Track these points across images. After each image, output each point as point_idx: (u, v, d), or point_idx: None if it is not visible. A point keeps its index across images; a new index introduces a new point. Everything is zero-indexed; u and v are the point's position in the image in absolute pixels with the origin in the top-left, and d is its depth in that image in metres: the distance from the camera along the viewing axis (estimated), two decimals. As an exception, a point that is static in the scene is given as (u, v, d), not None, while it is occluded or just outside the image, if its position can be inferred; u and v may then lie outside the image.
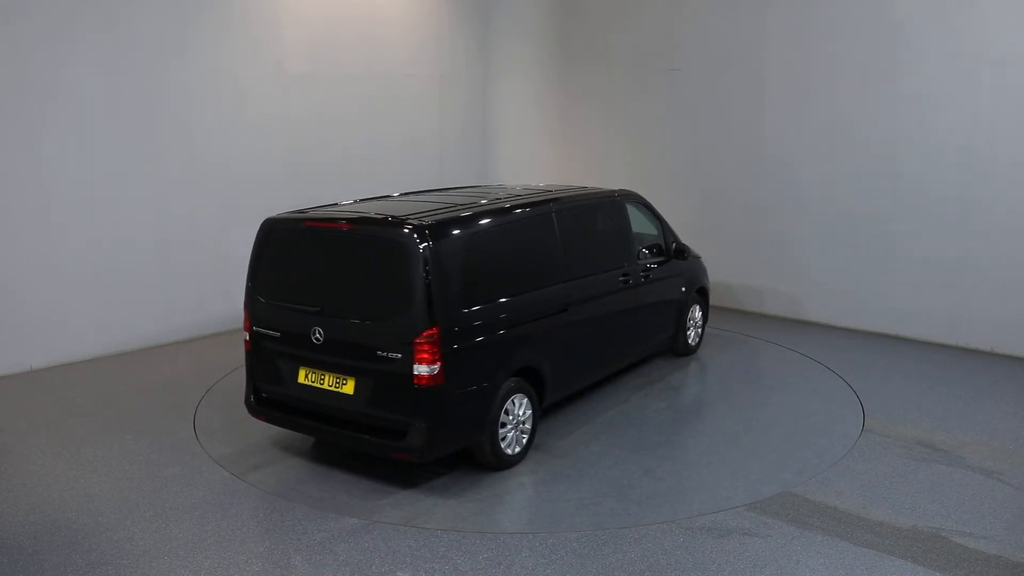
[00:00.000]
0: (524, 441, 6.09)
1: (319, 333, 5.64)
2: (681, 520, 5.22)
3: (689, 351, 8.61)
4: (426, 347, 5.24)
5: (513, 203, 6.39)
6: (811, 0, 9.66)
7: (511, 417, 5.92)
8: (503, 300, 5.87)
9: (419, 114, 11.47)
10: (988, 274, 8.65)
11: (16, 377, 8.07)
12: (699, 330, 8.75)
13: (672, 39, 11.07)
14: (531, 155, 12.73)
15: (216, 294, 9.49)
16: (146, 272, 9.00)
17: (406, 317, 5.30)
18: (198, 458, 6.21)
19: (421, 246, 5.29)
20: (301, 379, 5.81)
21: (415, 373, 5.28)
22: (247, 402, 6.24)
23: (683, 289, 8.30)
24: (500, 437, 5.83)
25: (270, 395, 6.12)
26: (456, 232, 5.59)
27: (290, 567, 4.70)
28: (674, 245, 8.15)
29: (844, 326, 9.81)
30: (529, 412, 6.09)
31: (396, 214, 5.68)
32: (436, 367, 5.27)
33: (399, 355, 5.31)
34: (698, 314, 8.69)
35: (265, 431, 6.64)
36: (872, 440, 6.47)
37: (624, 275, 7.31)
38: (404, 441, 5.38)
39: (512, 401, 5.91)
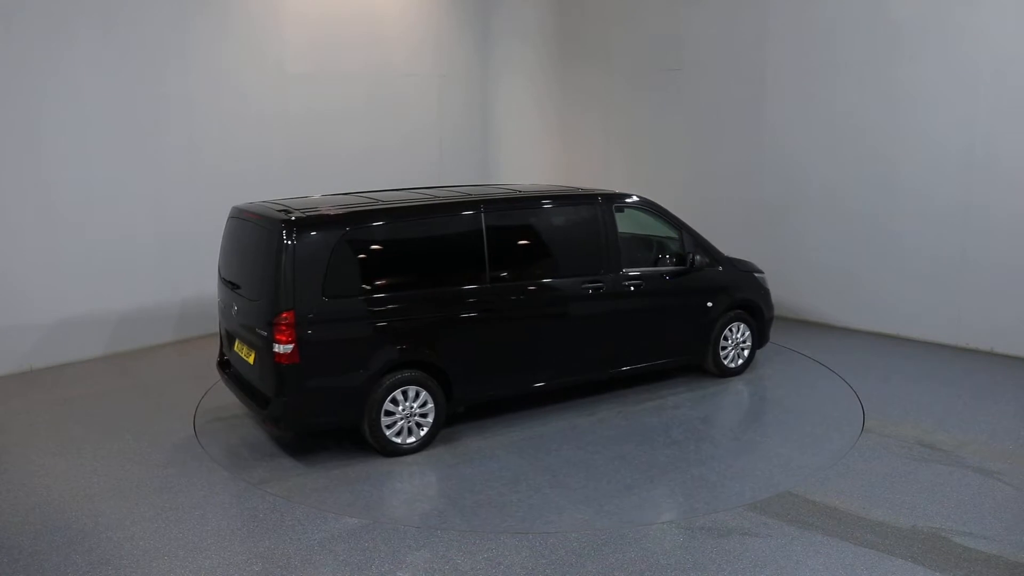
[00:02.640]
0: (422, 433, 6.27)
1: (235, 308, 6.45)
2: (681, 520, 5.23)
3: (725, 372, 7.87)
4: (282, 328, 5.76)
5: (424, 204, 6.57)
6: (811, 0, 9.67)
7: (400, 408, 6.14)
8: (386, 295, 6.14)
9: (419, 114, 11.48)
10: (988, 274, 8.63)
11: (16, 377, 8.08)
12: (743, 350, 7.98)
13: (672, 39, 11.07)
14: (531, 155, 12.73)
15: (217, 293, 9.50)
16: (146, 271, 9.01)
17: (270, 299, 5.87)
18: (198, 458, 6.22)
19: (287, 238, 5.82)
20: (235, 348, 6.59)
21: (274, 351, 5.80)
22: (216, 362, 7.18)
23: (709, 304, 7.70)
24: (386, 425, 6.12)
25: (228, 359, 6.93)
26: (326, 228, 6.00)
27: (290, 567, 4.70)
28: (690, 256, 7.54)
29: (844, 326, 9.81)
30: (430, 406, 6.27)
31: (292, 209, 6.21)
32: (290, 347, 5.76)
33: (265, 333, 5.88)
34: (742, 333, 7.96)
35: (264, 430, 6.65)
36: (872, 440, 6.47)
37: (593, 282, 6.99)
38: (267, 411, 5.97)
39: (403, 392, 6.14)
